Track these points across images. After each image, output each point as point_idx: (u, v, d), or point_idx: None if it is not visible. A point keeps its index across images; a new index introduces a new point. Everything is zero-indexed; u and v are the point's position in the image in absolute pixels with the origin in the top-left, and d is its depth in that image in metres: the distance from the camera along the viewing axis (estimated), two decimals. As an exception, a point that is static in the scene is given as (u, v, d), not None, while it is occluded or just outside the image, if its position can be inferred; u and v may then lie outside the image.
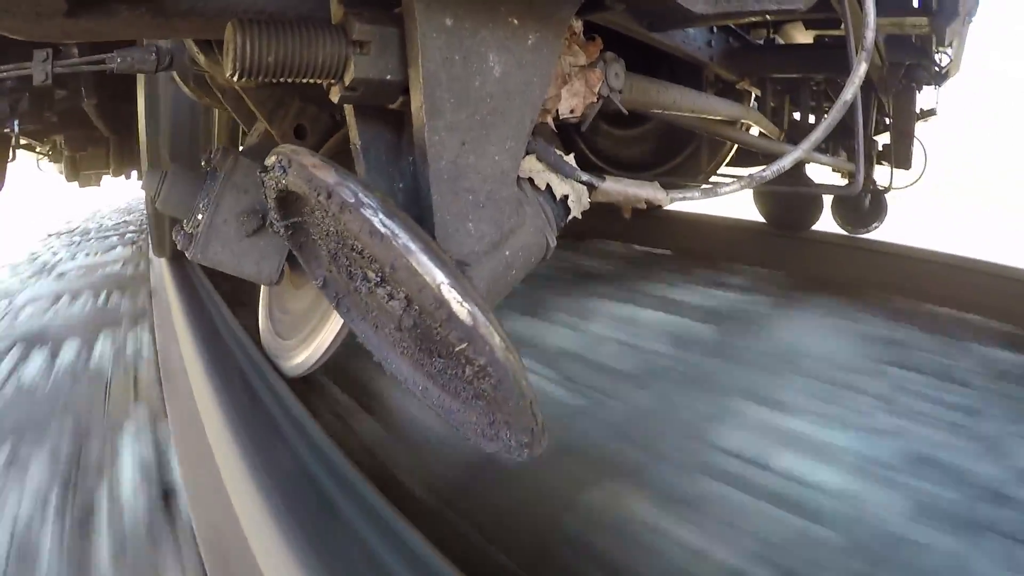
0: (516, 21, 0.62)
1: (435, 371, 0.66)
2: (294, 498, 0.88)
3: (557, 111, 0.74)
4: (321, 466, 1.00)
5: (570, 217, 0.76)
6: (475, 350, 0.51)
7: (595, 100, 0.77)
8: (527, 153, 0.70)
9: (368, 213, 0.50)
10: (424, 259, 0.50)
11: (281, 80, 0.59)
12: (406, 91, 0.61)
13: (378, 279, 0.62)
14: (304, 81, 0.60)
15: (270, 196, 0.68)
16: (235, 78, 0.57)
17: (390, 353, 0.73)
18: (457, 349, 0.52)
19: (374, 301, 0.68)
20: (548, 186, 0.72)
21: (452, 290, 0.50)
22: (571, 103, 0.75)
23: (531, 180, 0.71)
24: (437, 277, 0.50)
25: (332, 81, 0.60)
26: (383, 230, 0.50)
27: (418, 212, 0.66)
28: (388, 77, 0.59)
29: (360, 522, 0.87)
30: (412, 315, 0.59)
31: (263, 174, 0.64)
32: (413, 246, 0.50)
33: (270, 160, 0.62)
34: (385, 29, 0.59)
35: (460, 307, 0.50)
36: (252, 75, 0.57)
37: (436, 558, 0.77)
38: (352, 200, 0.50)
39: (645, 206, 0.80)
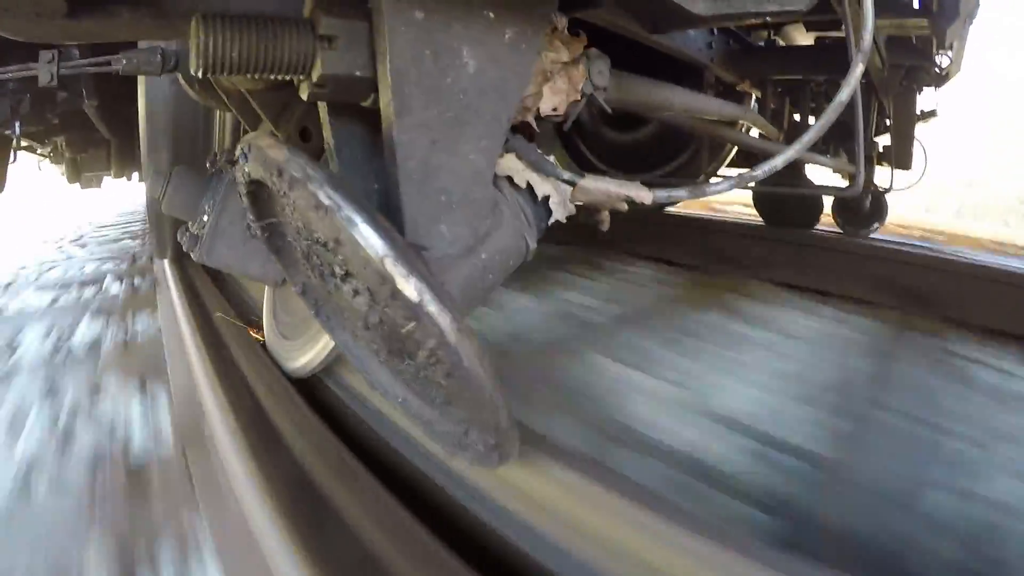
0: (492, 15, 0.60)
1: (408, 375, 0.64)
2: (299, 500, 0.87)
3: (539, 109, 0.72)
4: (326, 467, 0.98)
5: (552, 219, 0.74)
6: (423, 331, 0.48)
7: (578, 98, 0.74)
8: (506, 152, 0.68)
9: (313, 187, 0.48)
10: (367, 230, 0.47)
11: (248, 75, 0.57)
12: (376, 88, 0.60)
13: (343, 272, 0.59)
14: (274, 77, 0.58)
15: (242, 191, 0.66)
16: (199, 74, 0.56)
17: (370, 362, 0.71)
18: (404, 331, 0.49)
19: (344, 301, 0.66)
20: (529, 186, 0.70)
21: (397, 264, 0.47)
22: (553, 101, 0.73)
23: (510, 179, 0.69)
24: (380, 250, 0.47)
25: (301, 77, 0.59)
26: (327, 202, 0.47)
27: (394, 214, 0.64)
28: (357, 73, 0.58)
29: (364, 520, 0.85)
30: (376, 310, 0.57)
31: (234, 167, 0.62)
32: (356, 218, 0.47)
33: (237, 150, 0.60)
34: (353, 23, 0.57)
35: (405, 282, 0.46)
36: (216, 71, 0.55)
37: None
38: (299, 175, 0.48)
39: (627, 206, 0.78)
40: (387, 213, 0.64)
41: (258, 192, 0.66)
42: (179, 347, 1.67)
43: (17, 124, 3.25)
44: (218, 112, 2.16)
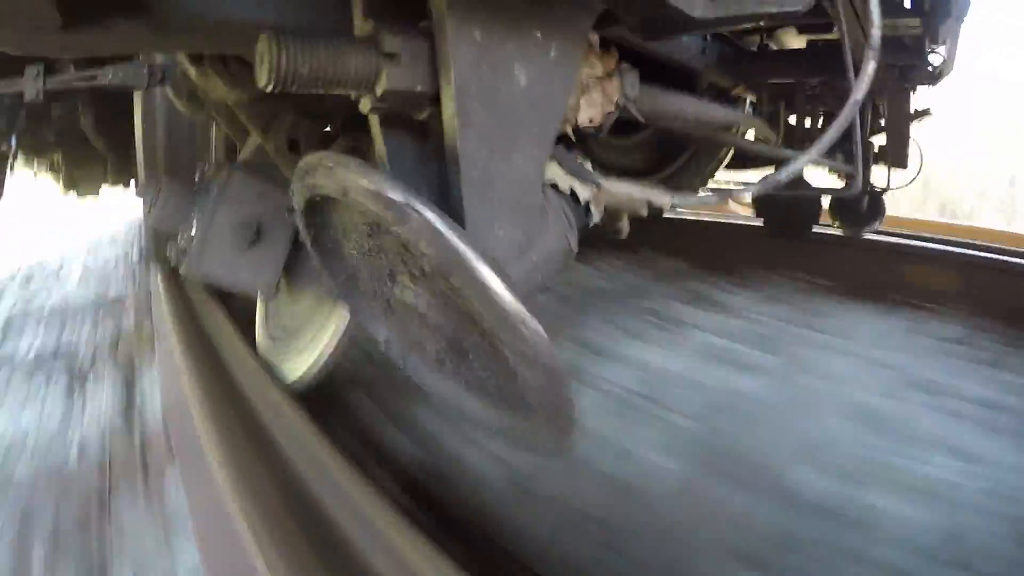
0: (540, 34, 0.64)
1: (473, 376, 0.67)
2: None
3: (576, 120, 0.76)
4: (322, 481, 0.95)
5: (592, 221, 0.78)
6: (499, 320, 0.53)
7: (612, 109, 0.79)
8: (550, 160, 0.72)
9: (416, 210, 0.52)
10: (465, 248, 0.52)
11: (314, 91, 0.60)
12: (434, 101, 0.63)
13: (400, 269, 0.63)
14: (335, 92, 0.62)
15: (299, 204, 0.69)
16: (268, 89, 0.59)
17: (438, 382, 0.74)
18: (487, 324, 0.53)
19: (406, 308, 0.70)
20: (570, 192, 0.74)
21: (492, 268, 0.52)
22: (589, 112, 0.77)
23: (554, 186, 0.73)
24: (471, 256, 0.52)
25: (363, 92, 0.62)
26: (425, 219, 0.52)
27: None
28: (418, 88, 0.61)
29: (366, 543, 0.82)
30: (440, 305, 0.61)
31: (296, 182, 0.65)
32: (462, 245, 0.52)
33: (302, 165, 0.64)
34: (415, 41, 0.61)
35: (492, 281, 0.52)
36: (287, 86, 0.58)
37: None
38: (401, 200, 0.52)
39: (646, 212, 0.81)
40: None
41: (315, 205, 0.69)
42: (169, 357, 1.64)
43: (13, 139, 3.24)
44: (213, 125, 2.17)
